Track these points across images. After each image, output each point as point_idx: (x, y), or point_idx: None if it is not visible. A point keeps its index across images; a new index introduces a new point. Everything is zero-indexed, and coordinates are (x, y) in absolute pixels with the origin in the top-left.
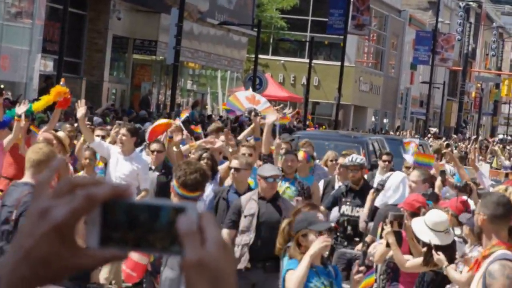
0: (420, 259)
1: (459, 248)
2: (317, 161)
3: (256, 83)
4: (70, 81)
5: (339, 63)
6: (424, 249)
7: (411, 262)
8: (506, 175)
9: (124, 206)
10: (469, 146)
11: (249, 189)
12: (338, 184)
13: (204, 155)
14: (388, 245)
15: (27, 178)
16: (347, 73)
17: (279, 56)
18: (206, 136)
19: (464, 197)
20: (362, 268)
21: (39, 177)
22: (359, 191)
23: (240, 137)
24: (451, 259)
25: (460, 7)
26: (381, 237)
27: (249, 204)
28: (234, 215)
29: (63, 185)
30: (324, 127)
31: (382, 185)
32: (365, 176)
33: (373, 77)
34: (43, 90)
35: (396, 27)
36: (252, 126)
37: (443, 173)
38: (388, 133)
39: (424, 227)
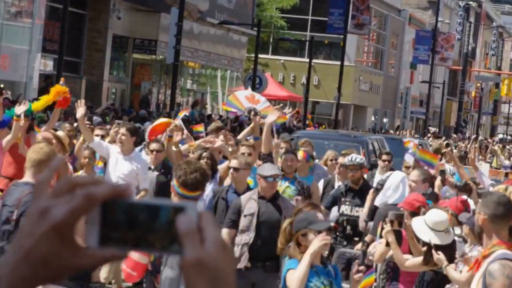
0: (419, 259)
1: (459, 247)
2: (317, 160)
3: (256, 82)
4: (70, 80)
5: (339, 63)
6: (424, 248)
7: (411, 261)
8: (506, 174)
9: (124, 206)
10: (468, 146)
11: (248, 188)
12: (338, 184)
13: (204, 154)
14: (387, 244)
15: (28, 177)
16: (347, 73)
17: (279, 55)
18: (206, 135)
19: (464, 197)
20: (361, 267)
21: (39, 177)
22: (359, 190)
23: (239, 137)
24: (451, 259)
25: (460, 7)
26: (381, 237)
27: (249, 203)
28: (234, 215)
29: (63, 185)
30: (323, 126)
31: (381, 185)
32: (365, 176)
33: (373, 77)
34: (43, 90)
35: (396, 26)
36: (251, 125)
37: (442, 172)
38: (389, 133)
39: (424, 226)
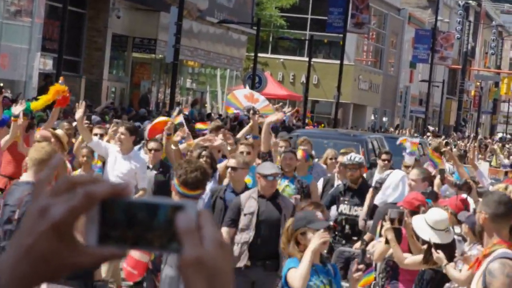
0: (419, 257)
1: (458, 246)
2: (316, 160)
3: (255, 81)
4: (69, 79)
5: (338, 62)
6: (424, 246)
7: (410, 259)
8: (506, 173)
9: (123, 205)
10: (468, 145)
11: (246, 188)
12: (337, 183)
13: (203, 153)
14: (387, 241)
15: (29, 177)
16: (347, 72)
17: (279, 54)
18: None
19: (464, 195)
20: (361, 266)
21: (38, 176)
22: (357, 190)
23: (238, 135)
24: (450, 258)
25: (460, 6)
26: (380, 236)
27: (249, 202)
28: (233, 214)
29: (62, 184)
30: (322, 125)
31: (380, 183)
32: (364, 175)
33: (373, 76)
34: (43, 89)
35: (395, 25)
36: (250, 124)
37: (442, 171)
38: (389, 132)
39: (424, 225)
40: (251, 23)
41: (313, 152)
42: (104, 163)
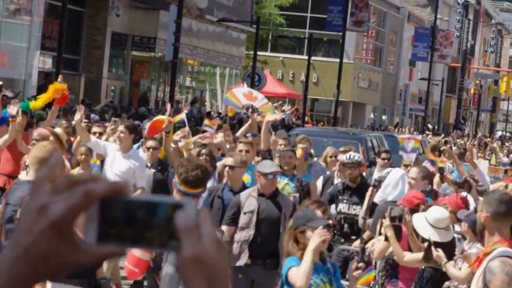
0: (419, 254)
1: (458, 245)
2: (315, 158)
3: (255, 79)
4: (69, 78)
5: (338, 60)
6: (425, 244)
7: (410, 256)
8: (505, 171)
9: (122, 203)
10: (468, 143)
11: (244, 186)
12: (337, 181)
13: (203, 151)
14: (386, 238)
15: (31, 176)
16: (346, 70)
17: (278, 52)
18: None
19: (464, 193)
20: (361, 264)
21: (37, 174)
22: (356, 188)
23: (238, 134)
24: (450, 256)
25: (459, 4)
26: (380, 234)
27: (249, 200)
28: (233, 212)
29: (61, 182)
30: (321, 123)
31: (378, 181)
32: (364, 174)
33: (372, 74)
34: (42, 87)
35: (394, 23)
36: (249, 122)
37: (441, 169)
38: (389, 130)
39: (425, 223)
40: (251, 22)
41: (312, 151)
42: (102, 161)
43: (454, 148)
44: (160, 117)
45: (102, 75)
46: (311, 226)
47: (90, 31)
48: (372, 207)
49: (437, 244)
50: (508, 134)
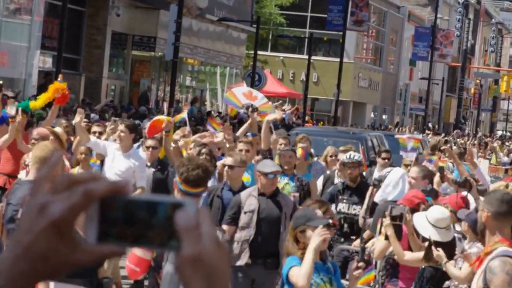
0: (419, 254)
1: (458, 244)
2: (315, 158)
3: (255, 79)
4: (69, 77)
5: (338, 59)
6: (425, 244)
7: (410, 255)
8: (506, 171)
9: (122, 202)
10: (468, 142)
11: (243, 186)
12: (338, 180)
13: (203, 150)
14: (386, 237)
15: (32, 175)
16: (346, 69)
17: (278, 52)
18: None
19: (464, 193)
20: (361, 264)
21: (37, 173)
22: (356, 188)
23: (238, 133)
24: (450, 256)
25: (459, 3)
26: (380, 233)
27: (249, 200)
28: (233, 212)
29: (62, 181)
30: (321, 123)
31: (379, 181)
32: (364, 173)
33: (372, 73)
34: (42, 87)
35: (395, 23)
36: (249, 121)
37: (441, 169)
38: (389, 130)
39: (425, 222)
40: (251, 21)
41: (312, 150)
42: (102, 161)
43: (454, 147)
44: (159, 117)
45: (102, 74)
46: (311, 225)
47: (90, 30)
48: (372, 206)
49: (438, 244)
50: (508, 134)
